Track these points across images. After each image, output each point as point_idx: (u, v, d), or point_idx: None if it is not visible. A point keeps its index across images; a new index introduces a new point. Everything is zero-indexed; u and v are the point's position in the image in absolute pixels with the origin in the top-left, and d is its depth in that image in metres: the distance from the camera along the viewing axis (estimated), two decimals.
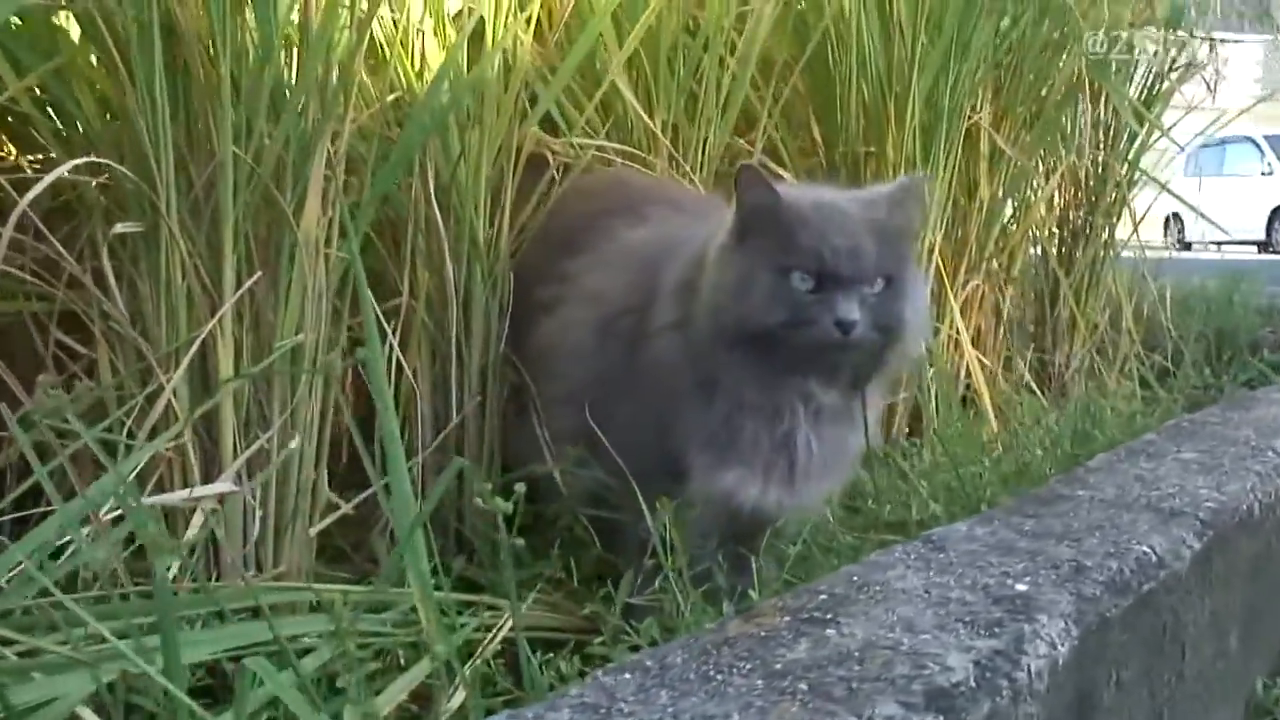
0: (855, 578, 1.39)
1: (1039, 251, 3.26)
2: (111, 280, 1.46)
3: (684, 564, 1.53)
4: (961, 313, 2.71)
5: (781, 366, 1.62)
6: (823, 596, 1.31)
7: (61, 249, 1.45)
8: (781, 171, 2.36)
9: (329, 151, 1.52)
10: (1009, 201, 2.91)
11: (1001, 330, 3.01)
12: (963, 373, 2.67)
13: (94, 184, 1.49)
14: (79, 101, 1.47)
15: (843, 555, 1.74)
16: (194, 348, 1.45)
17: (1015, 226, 2.93)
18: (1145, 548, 1.57)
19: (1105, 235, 3.31)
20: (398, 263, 1.79)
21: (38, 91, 1.52)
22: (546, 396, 1.75)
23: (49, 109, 1.54)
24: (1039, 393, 3.03)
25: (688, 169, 2.05)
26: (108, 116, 1.49)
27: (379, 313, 1.62)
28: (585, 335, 1.72)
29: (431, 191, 1.74)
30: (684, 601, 1.48)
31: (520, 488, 1.23)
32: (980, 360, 2.64)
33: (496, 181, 1.85)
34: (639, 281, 1.70)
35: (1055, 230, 3.32)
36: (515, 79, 1.81)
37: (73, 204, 1.54)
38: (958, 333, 2.51)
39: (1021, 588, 1.38)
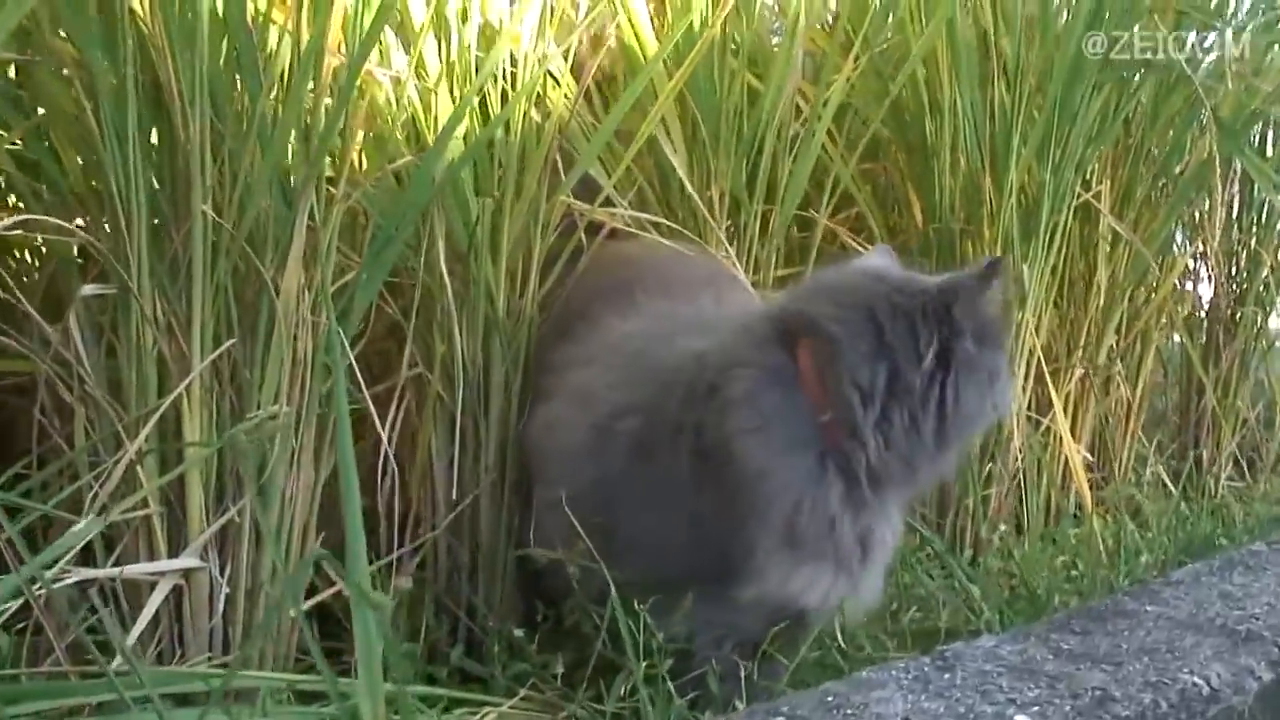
0: (830, 697, 1.25)
1: (1178, 341, 3.03)
2: (79, 343, 1.41)
3: (666, 669, 1.41)
4: (1075, 404, 2.52)
5: None
6: (779, 718, 1.17)
7: (29, 307, 1.41)
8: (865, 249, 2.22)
9: (313, 210, 1.46)
10: (1137, 286, 2.70)
11: (1131, 425, 2.79)
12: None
13: (74, 244, 1.46)
14: (59, 159, 1.44)
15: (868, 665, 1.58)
16: (157, 414, 1.39)
17: (1143, 313, 2.70)
18: (1196, 678, 1.39)
19: (1258, 325, 3.06)
20: (414, 332, 1.71)
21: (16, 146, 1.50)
22: (538, 500, 1.65)
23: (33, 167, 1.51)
24: (1176, 493, 2.80)
25: (724, 244, 1.91)
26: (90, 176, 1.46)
27: (345, 389, 1.54)
28: (577, 438, 1.62)
29: (441, 258, 1.65)
30: (654, 711, 1.36)
31: None
32: (1084, 455, 2.45)
33: (524, 248, 1.75)
34: (634, 378, 1.60)
35: (1202, 319, 3.08)
36: (546, 136, 1.72)
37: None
38: (1058, 425, 2.32)
39: (1021, 719, 1.22)
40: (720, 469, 1.48)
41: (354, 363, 1.73)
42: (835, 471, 1.49)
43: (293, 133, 1.44)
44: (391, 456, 1.68)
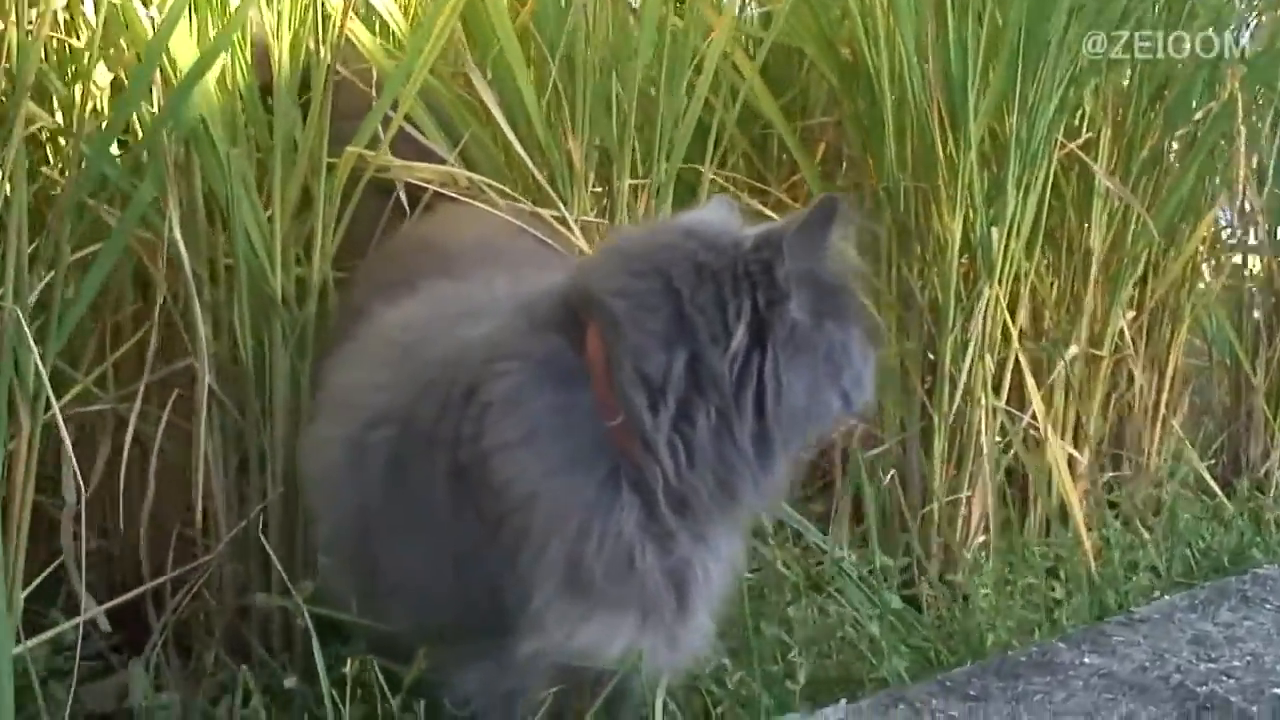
0: None
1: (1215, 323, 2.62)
2: None
3: None
4: (1079, 393, 2.14)
5: None
6: None
7: None
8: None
9: None
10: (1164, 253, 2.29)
11: (1160, 416, 2.40)
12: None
13: None
14: None
15: None
16: None
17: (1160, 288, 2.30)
18: None
19: None
20: (167, 316, 1.40)
21: None
22: (319, 544, 1.35)
23: None
24: (1221, 496, 2.39)
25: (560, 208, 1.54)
26: None
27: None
28: (332, 459, 1.29)
29: (175, 223, 1.32)
30: None
31: None
32: (1072, 454, 2.06)
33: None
34: (396, 379, 1.26)
35: (1253, 295, 2.66)
36: (322, 65, 1.39)
37: None
38: (1040, 419, 1.93)
39: None
40: (481, 492, 1.15)
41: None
42: (631, 491, 1.15)
43: None
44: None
